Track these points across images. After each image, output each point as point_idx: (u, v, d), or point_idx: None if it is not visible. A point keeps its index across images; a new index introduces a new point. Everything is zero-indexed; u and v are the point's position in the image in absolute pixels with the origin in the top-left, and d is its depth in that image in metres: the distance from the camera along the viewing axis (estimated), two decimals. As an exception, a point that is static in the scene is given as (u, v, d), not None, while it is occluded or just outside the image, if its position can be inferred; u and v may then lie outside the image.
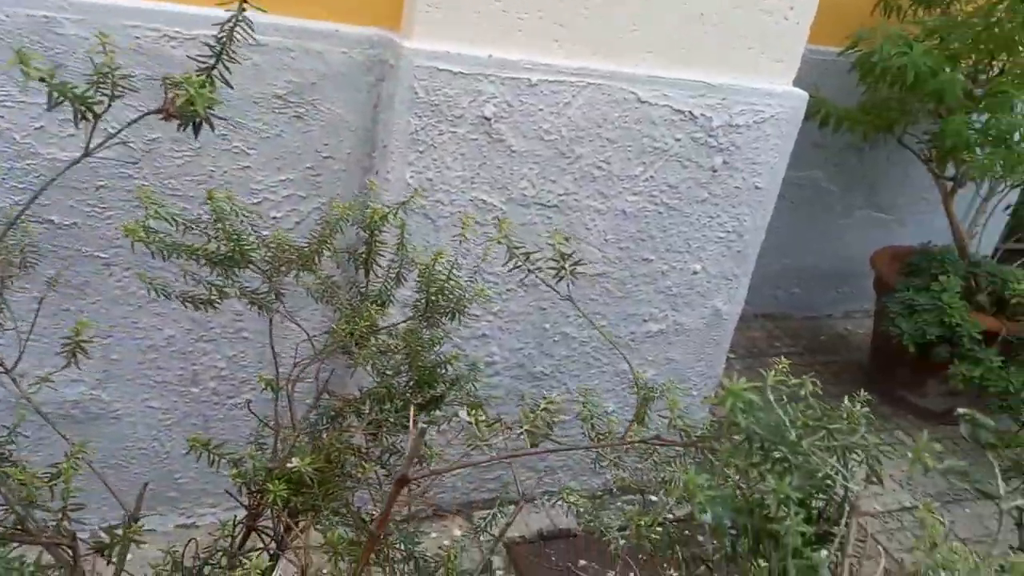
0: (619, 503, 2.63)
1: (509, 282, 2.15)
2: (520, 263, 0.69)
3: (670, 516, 1.01)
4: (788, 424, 0.59)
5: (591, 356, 2.35)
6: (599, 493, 2.61)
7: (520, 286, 2.17)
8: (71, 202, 1.79)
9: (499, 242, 0.71)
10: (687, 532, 0.79)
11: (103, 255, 1.84)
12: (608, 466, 1.21)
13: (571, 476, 2.54)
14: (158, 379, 2.04)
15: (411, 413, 0.69)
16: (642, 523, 0.83)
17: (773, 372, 0.70)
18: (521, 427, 0.78)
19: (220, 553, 1.10)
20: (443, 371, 1.36)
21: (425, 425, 0.87)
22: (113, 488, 2.20)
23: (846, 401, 0.72)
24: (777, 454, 0.59)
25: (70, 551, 0.80)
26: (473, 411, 0.80)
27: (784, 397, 0.68)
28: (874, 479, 0.65)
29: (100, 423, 2.06)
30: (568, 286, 0.69)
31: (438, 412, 1.23)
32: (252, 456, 1.17)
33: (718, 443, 0.64)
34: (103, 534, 0.87)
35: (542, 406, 0.83)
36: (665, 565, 0.89)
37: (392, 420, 1.39)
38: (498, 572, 2.25)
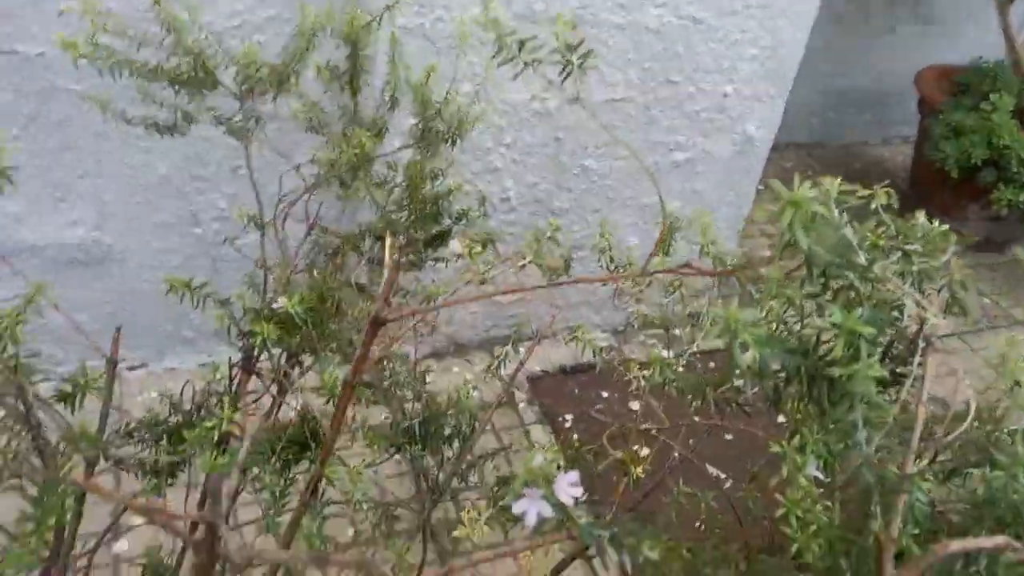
0: (642, 337, 2.57)
1: (523, 111, 1.96)
2: (513, 56, 0.53)
3: (695, 353, 0.91)
4: (856, 244, 0.45)
5: (612, 189, 2.20)
6: (621, 328, 2.54)
7: (534, 116, 1.97)
8: (35, 28, 1.61)
9: (485, 28, 0.55)
10: (714, 369, 0.69)
11: (77, 87, 1.67)
12: (629, 301, 1.10)
13: (593, 311, 2.46)
14: (156, 220, 1.94)
15: (386, 245, 0.56)
16: (662, 361, 0.72)
17: (838, 181, 0.55)
18: (524, 259, 0.65)
19: (214, 397, 1.03)
20: (446, 204, 1.23)
21: (399, 258, 0.76)
22: (128, 330, 2.16)
23: (921, 218, 0.57)
24: (840, 281, 0.45)
25: (20, 402, 0.71)
26: (468, 244, 0.67)
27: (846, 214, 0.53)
28: (955, 310, 0.52)
29: (106, 267, 1.98)
30: (577, 86, 0.53)
31: (442, 248, 1.11)
32: (240, 297, 1.06)
33: (762, 271, 0.51)
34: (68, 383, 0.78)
35: (548, 233, 0.69)
36: (693, 405, 0.80)
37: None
38: (520, 405, 2.23)
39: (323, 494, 0.90)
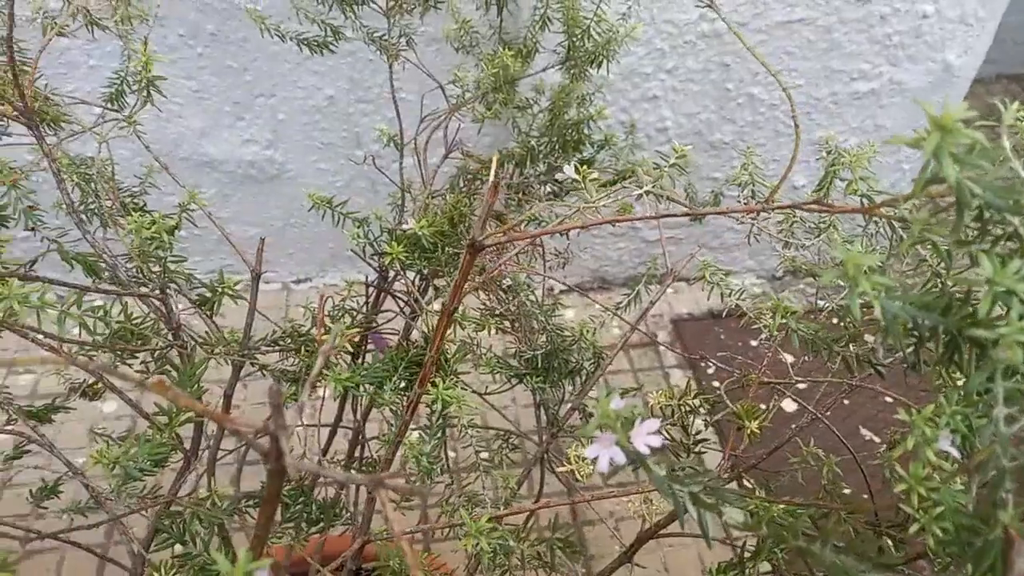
0: (801, 285, 2.40)
1: (688, 33, 1.83)
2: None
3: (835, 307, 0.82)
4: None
5: (781, 122, 2.02)
6: (778, 274, 2.38)
7: (701, 39, 1.84)
8: (217, -50, 1.69)
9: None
10: (851, 326, 0.61)
11: (258, 6, 1.74)
12: (773, 242, 1.00)
13: (748, 255, 2.33)
14: (324, 140, 2.02)
15: (493, 163, 0.53)
16: (788, 313, 0.65)
17: (1015, 107, 0.46)
18: (642, 187, 0.59)
19: (348, 313, 1.06)
20: (587, 130, 1.17)
21: (503, 178, 0.72)
22: (295, 246, 2.30)
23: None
24: (1003, 228, 0.37)
25: (161, 303, 0.76)
26: (584, 169, 0.62)
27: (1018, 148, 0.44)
28: None
29: (278, 183, 2.10)
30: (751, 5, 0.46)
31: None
32: (378, 217, 1.08)
33: (905, 209, 0.43)
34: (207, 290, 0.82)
35: (671, 161, 0.63)
36: (829, 363, 0.72)
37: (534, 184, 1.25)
38: (662, 347, 2.15)
39: (439, 417, 0.91)
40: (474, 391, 1.12)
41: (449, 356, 0.92)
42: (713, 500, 0.40)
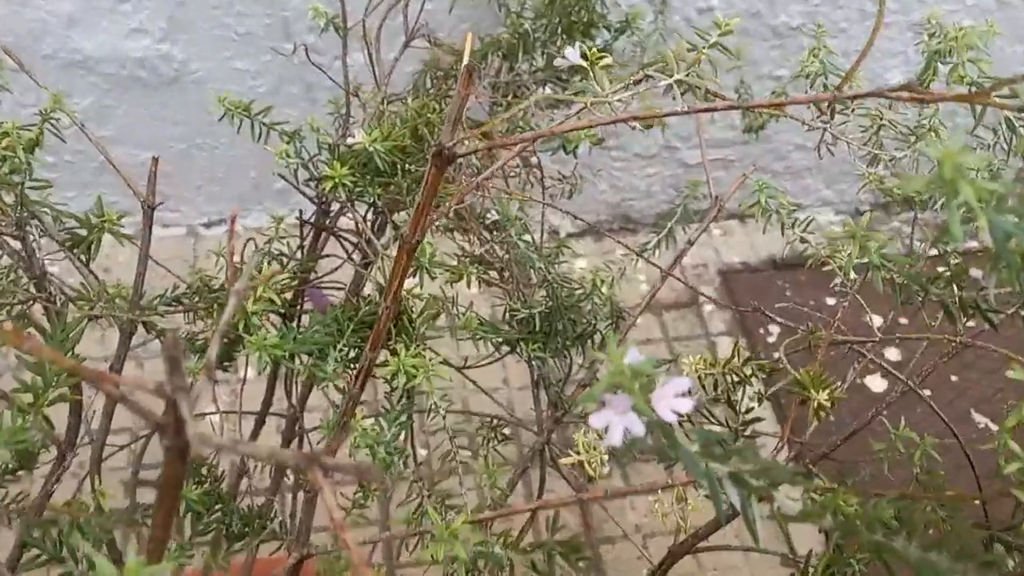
0: (895, 223, 2.41)
1: None
2: None
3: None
4: None
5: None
6: (865, 208, 2.39)
7: None
8: None
9: None
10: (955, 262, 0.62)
11: None
12: (855, 158, 1.01)
13: (823, 182, 2.33)
14: (240, 30, 2.00)
15: (466, 43, 0.53)
16: (863, 238, 0.65)
17: None
18: (669, 73, 0.59)
19: (276, 259, 1.06)
20: (602, 7, 1.17)
21: (486, 74, 0.72)
22: (204, 176, 2.29)
23: None
24: None
25: (19, 243, 0.76)
26: (593, 52, 0.62)
27: None
28: None
29: (179, 90, 2.08)
30: None
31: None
32: (315, 129, 1.07)
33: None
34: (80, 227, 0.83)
35: (712, 39, 0.63)
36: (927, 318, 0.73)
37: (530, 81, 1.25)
38: (706, 307, 2.18)
39: (402, 395, 0.91)
40: (451, 365, 1.13)
41: (414, 314, 0.93)
42: (762, 482, 0.41)
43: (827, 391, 0.70)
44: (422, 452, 1.64)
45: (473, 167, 0.92)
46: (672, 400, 0.41)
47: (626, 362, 0.42)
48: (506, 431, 1.17)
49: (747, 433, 0.77)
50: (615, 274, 1.07)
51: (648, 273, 2.11)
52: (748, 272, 2.28)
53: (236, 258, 1.14)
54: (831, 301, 2.21)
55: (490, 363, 1.07)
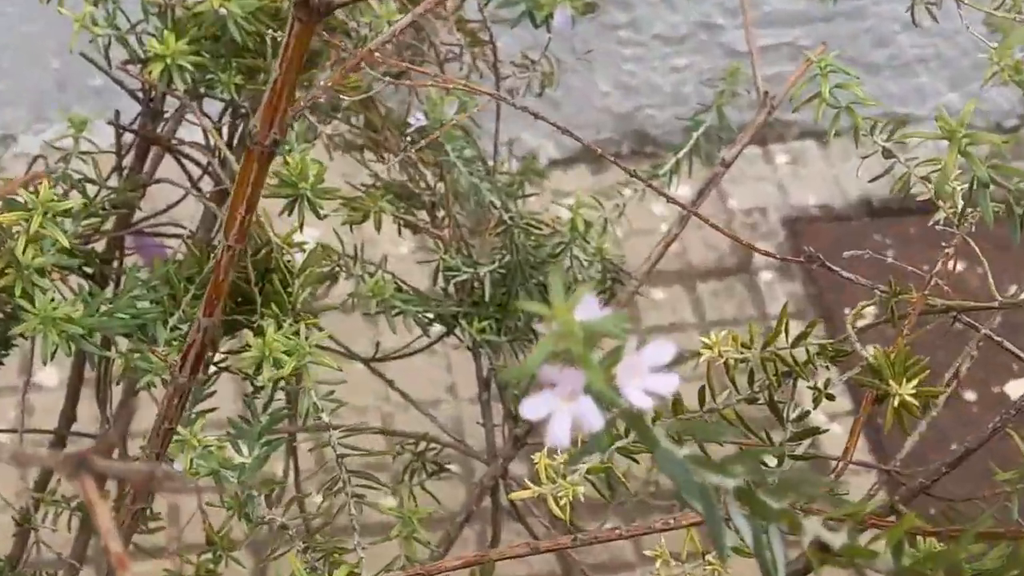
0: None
1: None
2: None
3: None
4: None
5: None
6: (1014, 121, 2.41)
7: None
8: None
9: None
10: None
11: None
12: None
13: (947, 81, 2.32)
14: None
15: None
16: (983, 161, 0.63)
17: None
18: None
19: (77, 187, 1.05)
20: None
21: None
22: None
23: None
24: None
25: None
26: None
27: None
28: None
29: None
30: None
31: None
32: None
33: None
34: None
35: None
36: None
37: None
38: (762, 273, 2.17)
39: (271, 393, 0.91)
40: (354, 356, 1.11)
41: (291, 269, 0.93)
42: (780, 503, 0.41)
43: (915, 381, 0.69)
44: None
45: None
46: (647, 376, 0.42)
47: (577, 317, 0.41)
48: (444, 456, 1.16)
49: (799, 451, 0.75)
50: (609, 212, 1.04)
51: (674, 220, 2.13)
52: (828, 220, 2.28)
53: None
54: (960, 267, 2.22)
55: (412, 354, 1.05)
